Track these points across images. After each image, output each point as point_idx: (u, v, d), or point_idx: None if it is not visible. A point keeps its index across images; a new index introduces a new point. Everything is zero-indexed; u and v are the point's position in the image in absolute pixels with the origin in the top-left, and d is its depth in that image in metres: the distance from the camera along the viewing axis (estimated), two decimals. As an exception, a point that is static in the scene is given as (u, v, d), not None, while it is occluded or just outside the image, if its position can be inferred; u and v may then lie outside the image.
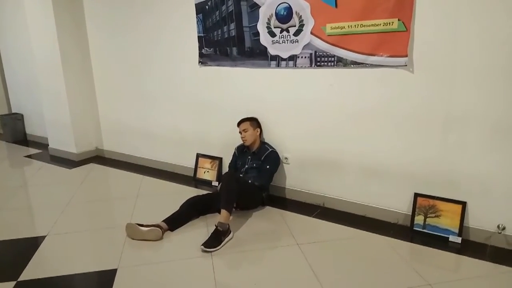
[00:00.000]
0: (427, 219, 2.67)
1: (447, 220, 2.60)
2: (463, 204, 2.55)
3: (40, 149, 5.16)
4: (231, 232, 2.65)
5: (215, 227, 2.58)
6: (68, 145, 4.66)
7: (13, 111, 5.99)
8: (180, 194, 3.26)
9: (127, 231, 2.67)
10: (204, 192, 3.40)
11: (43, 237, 2.71)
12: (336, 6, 2.73)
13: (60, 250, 2.57)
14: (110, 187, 3.97)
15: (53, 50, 4.31)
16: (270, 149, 3.21)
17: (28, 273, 2.27)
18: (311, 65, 2.97)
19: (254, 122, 3.26)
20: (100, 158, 4.75)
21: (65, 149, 4.72)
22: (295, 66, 3.05)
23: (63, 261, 2.42)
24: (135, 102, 4.29)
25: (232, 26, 3.30)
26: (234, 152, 3.43)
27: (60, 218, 3.03)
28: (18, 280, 2.20)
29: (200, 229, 2.79)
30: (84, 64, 4.53)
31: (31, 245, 2.61)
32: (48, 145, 4.98)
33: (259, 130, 3.28)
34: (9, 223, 2.97)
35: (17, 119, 5.74)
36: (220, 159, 3.74)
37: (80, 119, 4.60)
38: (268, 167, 3.15)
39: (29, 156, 4.89)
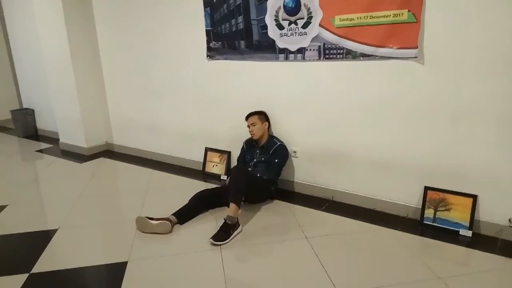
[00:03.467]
0: (437, 213, 2.65)
1: (458, 214, 2.58)
2: (474, 197, 2.52)
3: (51, 144, 5.22)
4: (240, 226, 2.66)
5: (224, 221, 2.59)
6: (79, 140, 4.71)
7: (24, 106, 6.06)
8: (189, 188, 3.27)
9: (137, 225, 2.70)
10: (213, 186, 3.41)
11: (55, 231, 2.75)
12: (345, -3, 2.70)
13: (71, 243, 2.60)
14: (120, 181, 4.01)
15: (63, 47, 4.33)
16: (279, 143, 3.20)
17: (41, 266, 2.31)
18: (319, 58, 2.95)
19: (262, 115, 3.25)
20: (110, 152, 4.79)
21: (76, 144, 4.77)
22: (304, 59, 3.02)
23: (75, 254, 2.45)
24: (144, 96, 4.31)
25: (240, 19, 3.28)
26: (243, 146, 3.43)
27: (71, 211, 3.07)
28: (31, 272, 2.24)
29: (209, 222, 2.81)
30: (93, 60, 4.55)
31: (43, 238, 2.65)
32: (58, 139, 5.03)
33: (267, 123, 3.27)
34: (22, 217, 3.02)
35: (28, 114, 5.80)
36: (228, 153, 3.74)
37: (90, 114, 4.64)
38: (276, 160, 3.15)
39: (40, 151, 4.96)
